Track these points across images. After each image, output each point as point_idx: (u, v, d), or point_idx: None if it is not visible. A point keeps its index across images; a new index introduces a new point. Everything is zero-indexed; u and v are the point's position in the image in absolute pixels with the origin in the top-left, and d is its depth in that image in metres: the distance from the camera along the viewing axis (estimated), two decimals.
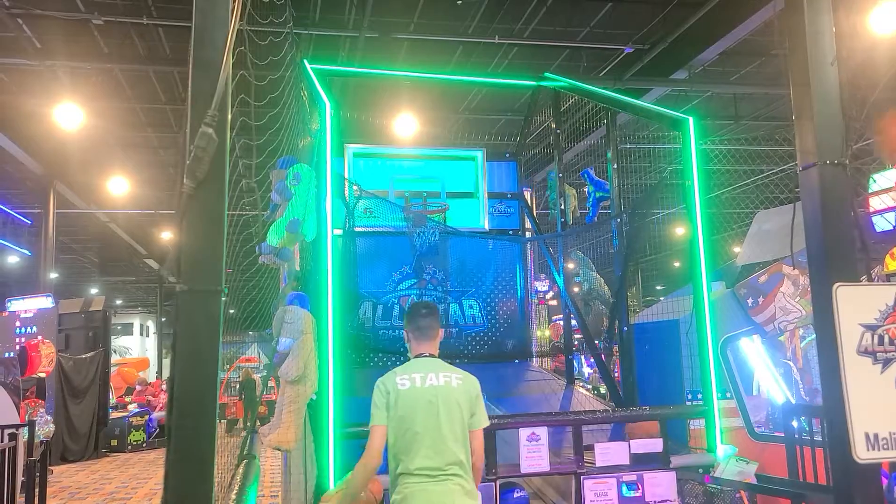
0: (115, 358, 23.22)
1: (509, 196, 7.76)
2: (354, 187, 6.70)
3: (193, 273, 2.43)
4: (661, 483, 4.93)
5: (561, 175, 7.22)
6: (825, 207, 3.73)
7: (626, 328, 6.34)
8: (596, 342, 6.86)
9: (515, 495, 4.99)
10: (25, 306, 14.84)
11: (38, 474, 7.68)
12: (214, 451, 2.35)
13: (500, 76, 12.73)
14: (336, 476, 4.11)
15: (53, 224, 17.24)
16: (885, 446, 3.34)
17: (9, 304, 15.03)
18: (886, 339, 3.45)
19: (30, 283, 18.86)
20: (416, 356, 3.61)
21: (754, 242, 7.21)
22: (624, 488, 4.89)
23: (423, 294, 7.14)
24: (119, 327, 35.82)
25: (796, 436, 5.26)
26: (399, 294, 7.13)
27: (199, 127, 2.40)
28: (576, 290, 7.18)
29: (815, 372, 6.32)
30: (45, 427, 11.16)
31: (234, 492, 3.68)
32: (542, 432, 4.82)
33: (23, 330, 14.46)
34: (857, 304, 3.47)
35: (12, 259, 20.65)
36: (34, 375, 13.28)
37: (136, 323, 40.00)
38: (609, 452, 4.95)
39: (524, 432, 4.80)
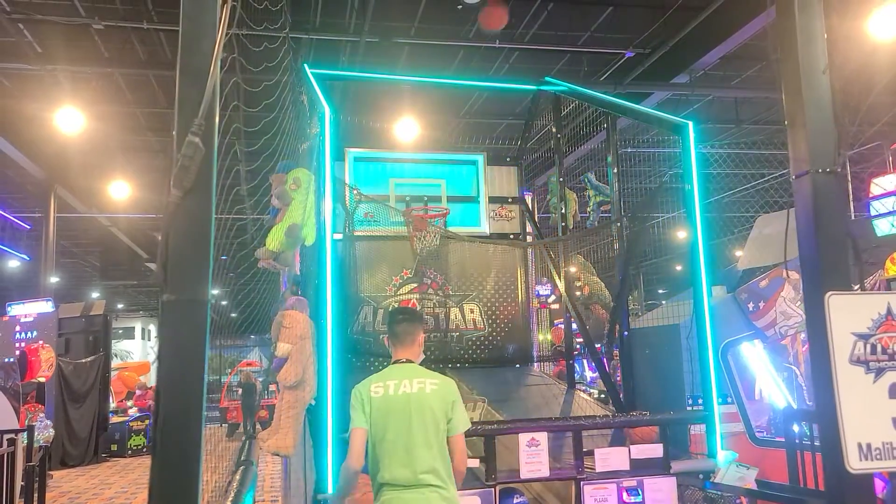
0: (115, 362, 23.18)
1: (510, 200, 7.75)
2: (354, 191, 6.71)
3: (180, 283, 2.40)
4: (661, 488, 4.91)
5: (562, 179, 7.22)
6: (818, 216, 3.69)
7: (626, 332, 6.32)
8: (597, 346, 6.84)
9: (515, 500, 4.96)
10: (25, 310, 14.81)
11: (37, 479, 7.67)
12: (200, 465, 2.30)
13: (501, 80, 12.75)
14: (335, 481, 4.09)
15: (54, 228, 17.24)
16: (878, 456, 3.29)
17: (9, 309, 15.00)
18: (879, 349, 3.39)
19: (30, 288, 18.88)
20: (394, 362, 3.60)
21: (755, 247, 7.20)
22: (624, 494, 4.87)
23: (424, 298, 7.14)
24: (121, 331, 35.83)
25: (797, 441, 5.24)
26: (399, 298, 7.13)
27: (185, 135, 2.34)
28: (577, 294, 7.16)
29: None
30: (45, 432, 11.15)
31: (230, 499, 3.66)
32: (542, 437, 4.81)
33: (23, 334, 14.44)
34: (849, 313, 3.41)
35: (12, 264, 20.62)
36: (34, 380, 13.26)
37: (138, 327, 40.00)
38: (609, 458, 4.93)
39: (524, 437, 4.79)
